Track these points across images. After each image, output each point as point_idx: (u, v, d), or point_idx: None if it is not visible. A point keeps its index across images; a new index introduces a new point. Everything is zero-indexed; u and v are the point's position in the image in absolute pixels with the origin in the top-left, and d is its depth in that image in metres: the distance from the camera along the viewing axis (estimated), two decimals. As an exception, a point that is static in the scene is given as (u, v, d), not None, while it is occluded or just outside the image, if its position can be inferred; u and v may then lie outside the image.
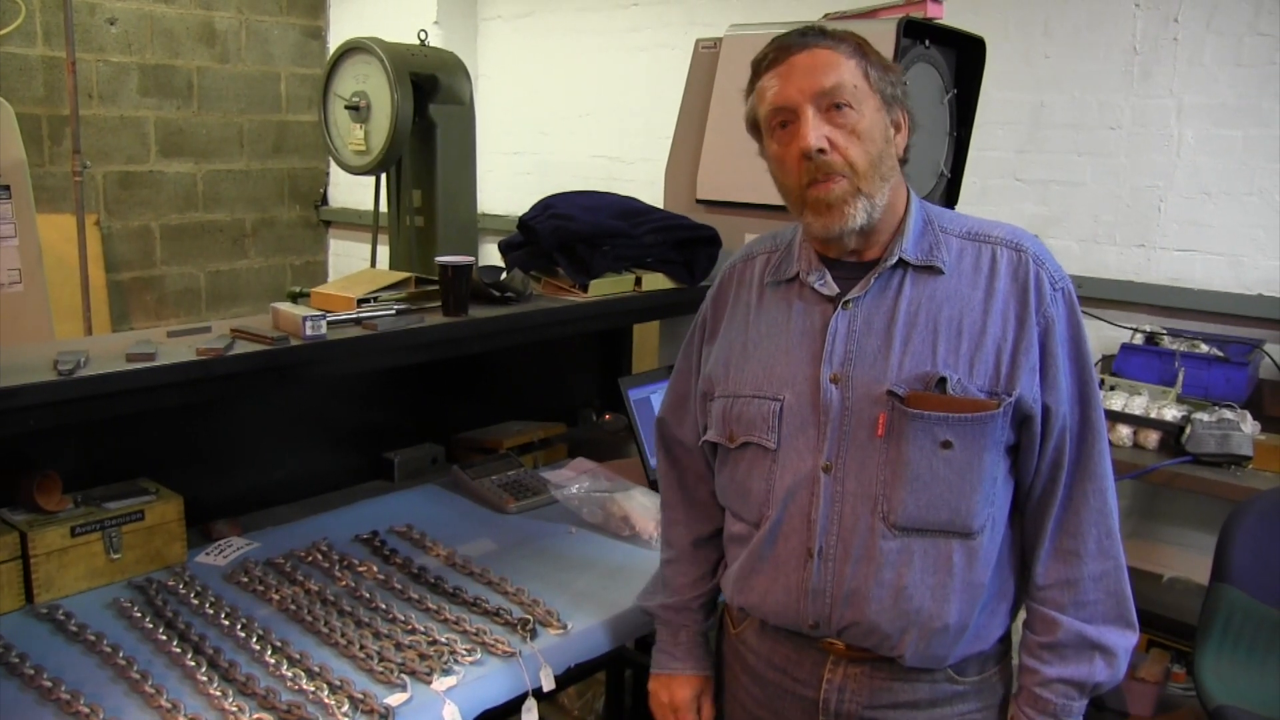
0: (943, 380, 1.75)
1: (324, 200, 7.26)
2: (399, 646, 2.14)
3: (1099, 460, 1.82)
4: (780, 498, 1.86)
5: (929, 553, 1.78)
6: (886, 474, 1.77)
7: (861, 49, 1.81)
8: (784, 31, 1.84)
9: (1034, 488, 1.84)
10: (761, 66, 1.84)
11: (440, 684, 2.02)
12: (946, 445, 1.75)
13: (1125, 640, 1.83)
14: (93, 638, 2.15)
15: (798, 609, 1.86)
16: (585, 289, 3.16)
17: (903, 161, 1.88)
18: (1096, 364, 4.00)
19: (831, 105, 1.76)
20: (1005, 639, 1.93)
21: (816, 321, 1.88)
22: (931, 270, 1.83)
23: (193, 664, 2.05)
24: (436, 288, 2.85)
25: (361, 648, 2.13)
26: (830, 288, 1.87)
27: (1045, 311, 1.78)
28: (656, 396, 3.13)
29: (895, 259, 1.83)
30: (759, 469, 1.90)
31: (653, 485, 2.94)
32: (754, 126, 1.89)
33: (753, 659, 2.01)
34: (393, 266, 5.31)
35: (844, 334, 1.83)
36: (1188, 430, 3.33)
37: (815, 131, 1.75)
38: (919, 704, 1.87)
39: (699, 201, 3.66)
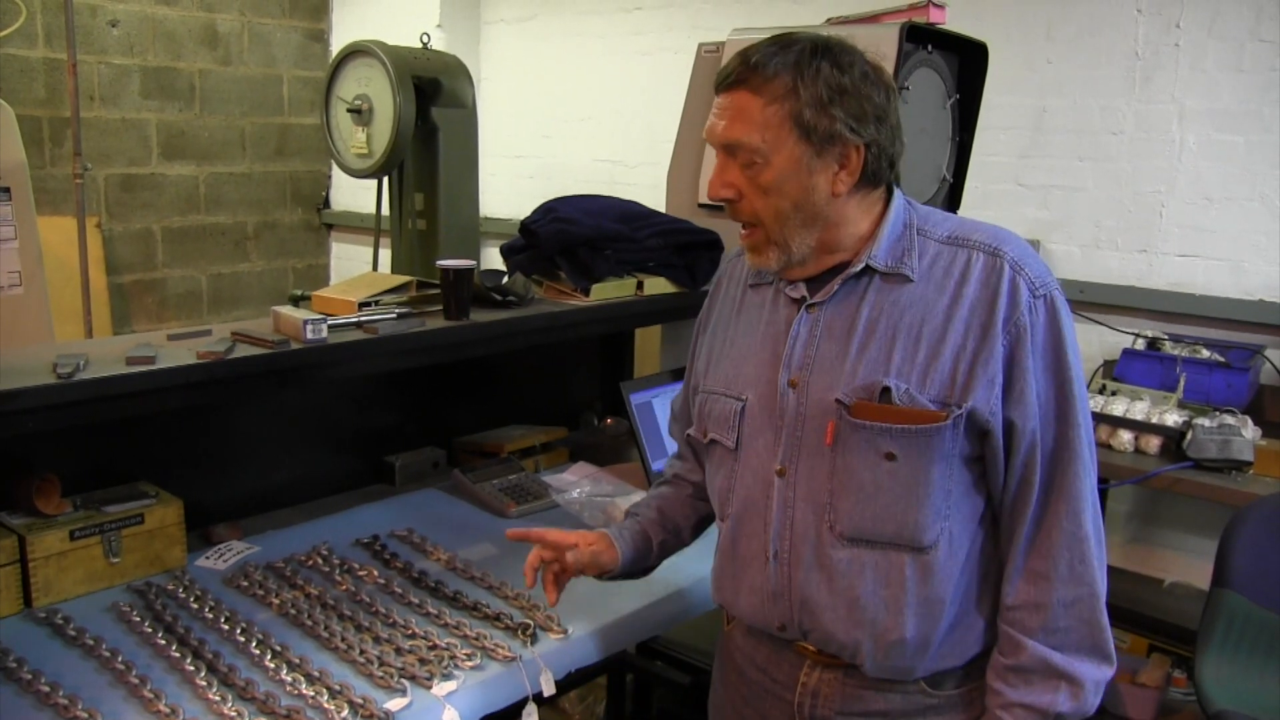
0: (887, 390, 1.72)
1: (326, 203, 7.25)
2: (399, 651, 2.14)
3: (1074, 481, 1.73)
4: (740, 497, 1.88)
5: (880, 565, 1.75)
6: (834, 484, 1.76)
7: (795, 87, 1.71)
8: (745, 48, 1.78)
9: (1003, 504, 1.78)
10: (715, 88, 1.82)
11: (440, 689, 2.02)
12: (890, 457, 1.71)
13: (1098, 672, 1.76)
14: (91, 642, 2.14)
15: (764, 610, 1.87)
16: (587, 293, 3.16)
17: (891, 170, 1.81)
18: (1098, 369, 4.00)
19: (736, 159, 1.76)
20: (987, 655, 1.87)
21: (781, 324, 1.87)
22: (900, 278, 1.78)
23: (192, 668, 2.05)
24: (438, 291, 2.85)
25: (361, 652, 2.13)
26: (798, 291, 1.85)
27: (1017, 321, 1.70)
28: (658, 400, 3.13)
29: (862, 264, 1.79)
30: (725, 467, 1.92)
31: (653, 489, 2.94)
32: None
33: (739, 658, 2.02)
34: (394, 270, 5.31)
35: (805, 338, 1.82)
36: (1189, 435, 3.32)
37: (719, 178, 1.77)
38: (891, 714, 1.84)
39: (701, 205, 3.65)
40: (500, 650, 2.16)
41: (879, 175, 1.79)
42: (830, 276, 1.84)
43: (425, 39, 5.36)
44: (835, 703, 1.87)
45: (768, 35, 1.82)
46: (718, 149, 1.77)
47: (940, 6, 3.50)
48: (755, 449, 1.85)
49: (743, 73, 1.74)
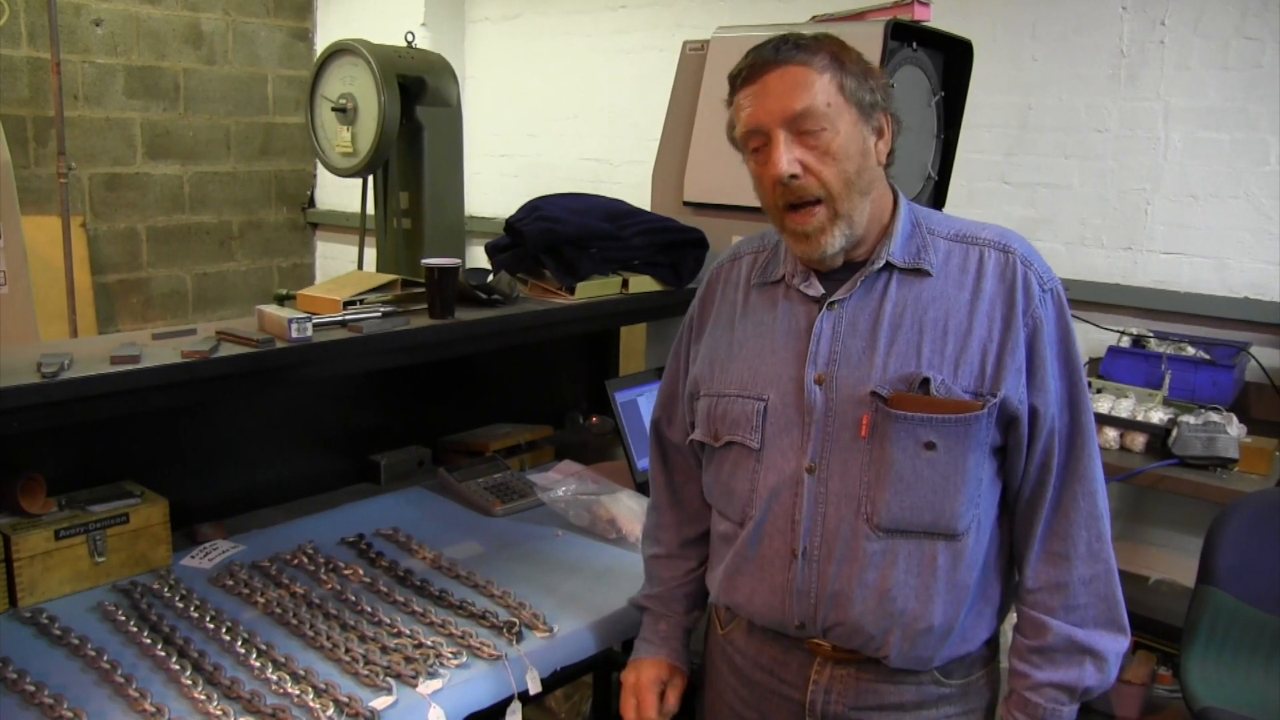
0: (926, 381, 1.75)
1: (311, 202, 7.25)
2: (384, 649, 2.14)
3: (1089, 463, 1.82)
4: (764, 498, 1.87)
5: (913, 554, 1.77)
6: (870, 475, 1.77)
7: (838, 58, 1.79)
8: (760, 41, 1.82)
9: (1023, 490, 1.84)
10: (737, 82, 1.83)
11: (426, 687, 2.02)
12: (930, 446, 1.75)
13: (1116, 644, 1.83)
14: (77, 641, 2.14)
15: (783, 609, 1.86)
16: (572, 291, 3.15)
17: (888, 165, 1.87)
18: (1084, 366, 4.00)
19: (803, 128, 1.76)
20: (993, 642, 1.93)
21: (801, 322, 1.88)
22: (919, 273, 1.83)
23: (177, 667, 2.04)
24: (423, 290, 2.85)
25: (347, 651, 2.12)
26: (816, 289, 1.87)
27: (1033, 313, 1.78)
28: (643, 399, 3.13)
29: (882, 262, 1.83)
30: (743, 468, 1.91)
31: (639, 488, 2.94)
32: (734, 141, 1.89)
33: (740, 660, 2.02)
34: (380, 269, 5.31)
35: (829, 335, 1.83)
36: (1174, 433, 3.33)
37: (786, 156, 1.75)
38: (905, 705, 1.87)
39: (686, 204, 3.66)
40: (486, 648, 2.16)
41: (891, 159, 1.86)
42: (846, 275, 1.86)
43: (410, 38, 5.35)
44: (849, 698, 1.88)
45: (754, 33, 1.84)
46: (774, 128, 1.76)
47: (925, 4, 3.50)
48: (780, 448, 1.86)
49: (787, 52, 1.77)
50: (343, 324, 2.65)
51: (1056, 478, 1.81)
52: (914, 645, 1.81)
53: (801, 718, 1.92)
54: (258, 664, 2.07)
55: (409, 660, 2.09)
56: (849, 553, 1.79)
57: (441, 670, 2.08)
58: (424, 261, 2.82)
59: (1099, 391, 3.64)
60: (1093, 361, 3.99)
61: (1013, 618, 1.92)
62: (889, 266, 1.84)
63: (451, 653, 2.13)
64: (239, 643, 2.14)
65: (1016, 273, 1.80)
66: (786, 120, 1.75)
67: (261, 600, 2.34)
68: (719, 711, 2.10)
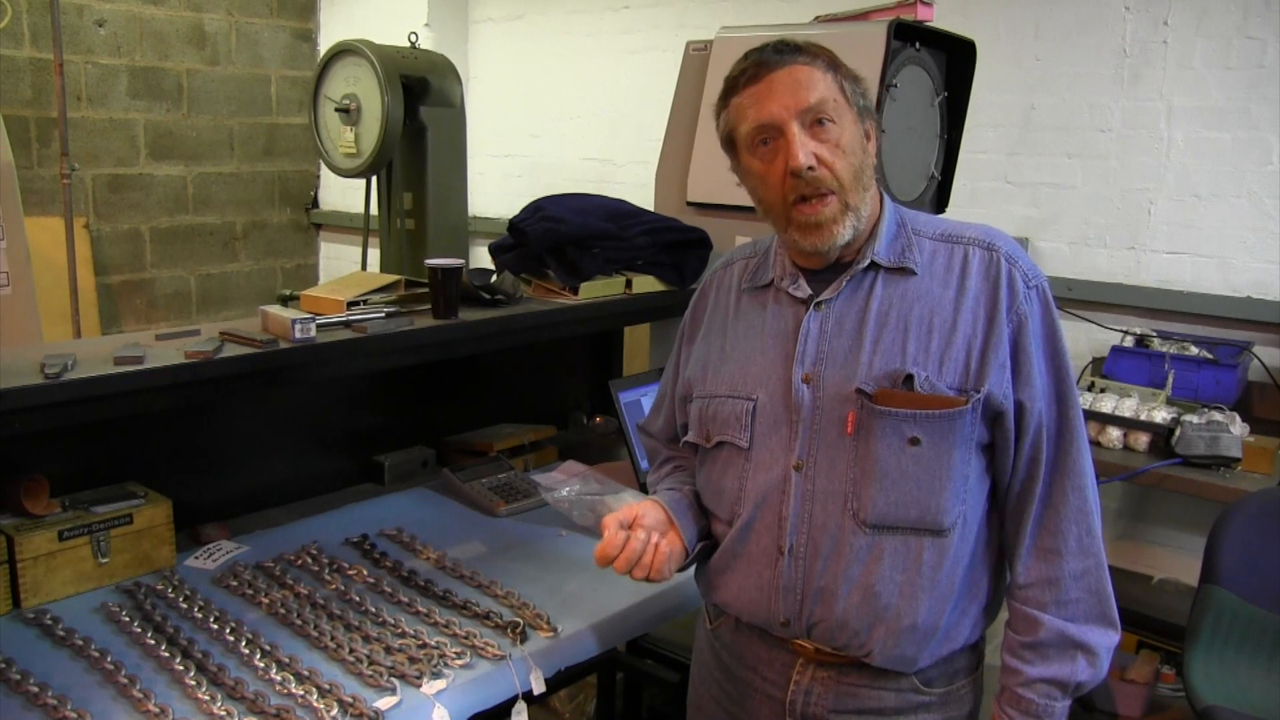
0: (910, 377, 1.76)
1: (314, 203, 7.24)
2: (389, 650, 2.14)
3: (1077, 457, 1.82)
4: (752, 496, 1.88)
5: (899, 550, 1.78)
6: (856, 472, 1.79)
7: (835, 63, 1.83)
8: (760, 44, 1.84)
9: (1012, 486, 1.84)
10: (739, 83, 1.84)
11: (430, 687, 2.02)
12: (914, 442, 1.76)
13: (1107, 639, 1.83)
14: (80, 642, 2.14)
15: (769, 606, 1.88)
16: (575, 291, 3.16)
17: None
18: (1086, 366, 4.01)
19: (814, 121, 1.78)
20: (977, 649, 1.94)
21: (789, 323, 1.90)
22: (904, 271, 1.85)
23: (181, 668, 2.04)
24: (426, 290, 2.85)
25: (351, 651, 2.12)
26: (803, 290, 1.89)
27: (1018, 309, 1.79)
28: (647, 399, 3.13)
29: (867, 261, 1.85)
30: (733, 468, 1.92)
31: (643, 488, 2.94)
32: (729, 143, 1.90)
33: (726, 656, 2.03)
34: (383, 269, 5.31)
35: (816, 335, 1.85)
36: (1177, 432, 3.33)
37: (804, 149, 1.77)
38: (884, 711, 1.87)
39: (689, 204, 3.66)
40: (490, 649, 2.16)
41: (879, 155, 1.88)
42: (833, 276, 1.88)
43: (413, 38, 5.36)
44: (829, 700, 1.88)
45: (757, 33, 1.84)
46: (787, 122, 1.78)
47: (928, 4, 3.50)
48: (769, 446, 1.87)
49: (788, 54, 1.81)
50: (346, 324, 2.66)
51: (1046, 473, 1.82)
52: (898, 643, 1.81)
53: (782, 717, 1.93)
54: (262, 665, 2.07)
55: (413, 660, 2.10)
56: (836, 549, 1.80)
57: (445, 670, 2.08)
58: (427, 262, 2.82)
59: (1102, 391, 3.64)
60: (1096, 361, 4.00)
61: (1000, 618, 1.93)
62: (874, 266, 1.86)
63: (455, 653, 2.13)
64: (243, 643, 2.15)
65: (1001, 270, 1.81)
66: (800, 113, 1.77)
67: (265, 601, 2.34)
68: (705, 706, 2.11)
